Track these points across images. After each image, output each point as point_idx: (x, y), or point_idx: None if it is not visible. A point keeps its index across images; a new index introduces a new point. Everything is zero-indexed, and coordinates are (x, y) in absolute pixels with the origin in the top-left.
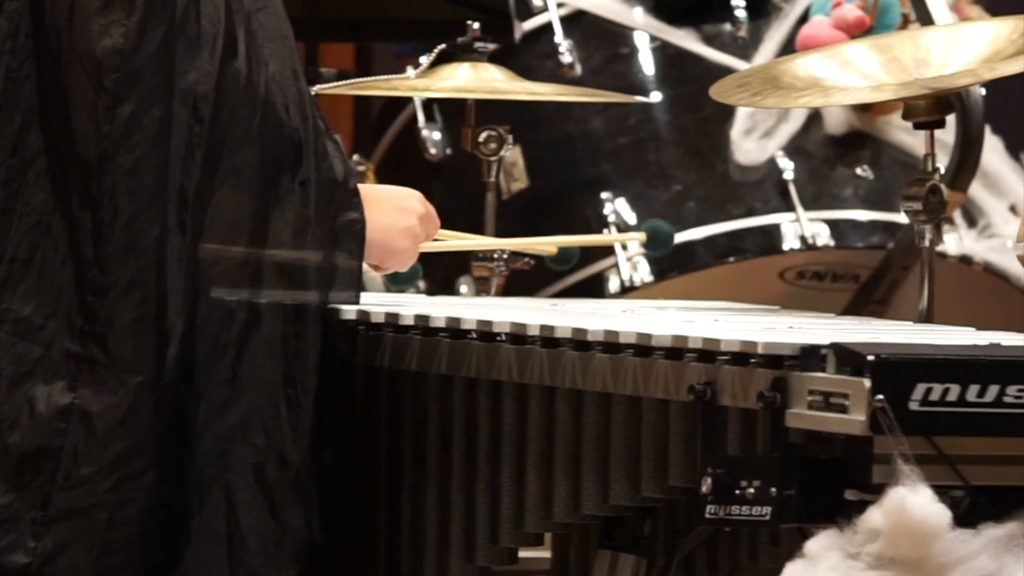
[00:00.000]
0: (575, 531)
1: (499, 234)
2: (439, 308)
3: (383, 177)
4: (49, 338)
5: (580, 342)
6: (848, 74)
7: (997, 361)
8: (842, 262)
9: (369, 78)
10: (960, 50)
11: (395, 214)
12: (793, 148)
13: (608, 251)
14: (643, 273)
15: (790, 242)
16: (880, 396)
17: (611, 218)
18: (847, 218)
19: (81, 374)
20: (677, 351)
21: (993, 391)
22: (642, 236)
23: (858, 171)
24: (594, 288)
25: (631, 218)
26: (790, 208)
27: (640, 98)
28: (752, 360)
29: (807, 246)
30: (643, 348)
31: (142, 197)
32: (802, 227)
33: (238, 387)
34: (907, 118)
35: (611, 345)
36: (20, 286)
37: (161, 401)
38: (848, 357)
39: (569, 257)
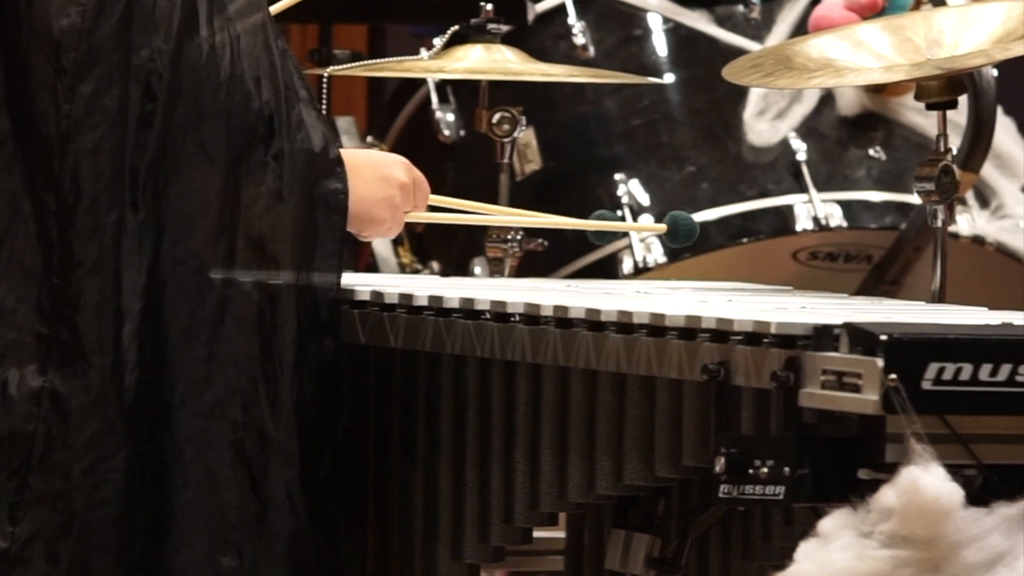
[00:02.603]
0: (589, 511)
1: None
2: (452, 289)
3: None
4: (21, 321)
5: (594, 322)
6: (861, 55)
7: (1009, 340)
8: (855, 243)
9: (382, 59)
10: (972, 31)
11: (376, 184)
12: (806, 129)
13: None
14: (656, 254)
15: (803, 223)
16: (893, 375)
17: (624, 199)
18: (860, 199)
19: (51, 357)
20: (691, 331)
21: (1006, 370)
22: (662, 228)
23: (871, 152)
24: (608, 269)
25: (644, 199)
26: (803, 189)
27: (653, 79)
28: (765, 340)
29: (820, 227)
30: (656, 328)
31: (103, 177)
32: (815, 208)
33: (215, 363)
34: (919, 99)
35: (625, 325)
36: None
37: (125, 381)
38: (861, 337)
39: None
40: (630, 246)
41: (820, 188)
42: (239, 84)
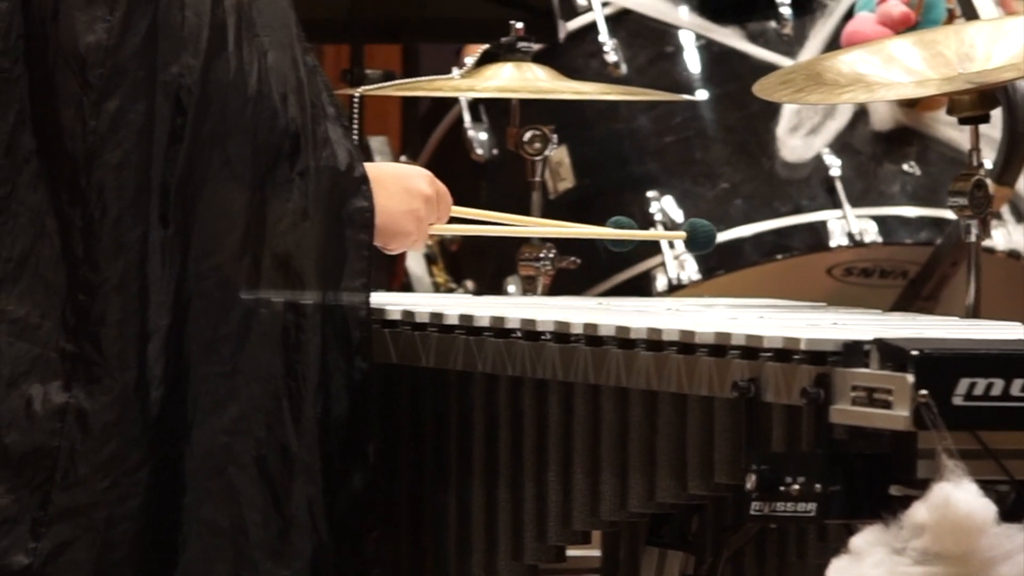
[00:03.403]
0: (625, 529)
1: None
2: (483, 307)
3: None
4: (45, 337)
5: (624, 340)
6: (892, 70)
7: None
8: (890, 258)
9: (412, 79)
10: (1004, 44)
11: (400, 196)
12: (840, 145)
13: (655, 249)
14: (690, 271)
15: (837, 239)
16: (924, 391)
17: (658, 216)
18: (895, 214)
19: (76, 373)
20: (721, 348)
21: None
22: (681, 235)
23: (905, 167)
24: (642, 287)
25: (678, 216)
26: (837, 205)
27: (684, 96)
28: (795, 356)
29: (855, 243)
30: (687, 346)
31: (128, 193)
32: (849, 224)
33: (238, 380)
34: (951, 113)
35: (655, 343)
36: (16, 286)
37: (151, 396)
38: (891, 352)
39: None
40: (663, 263)
41: (855, 204)
42: (266, 101)
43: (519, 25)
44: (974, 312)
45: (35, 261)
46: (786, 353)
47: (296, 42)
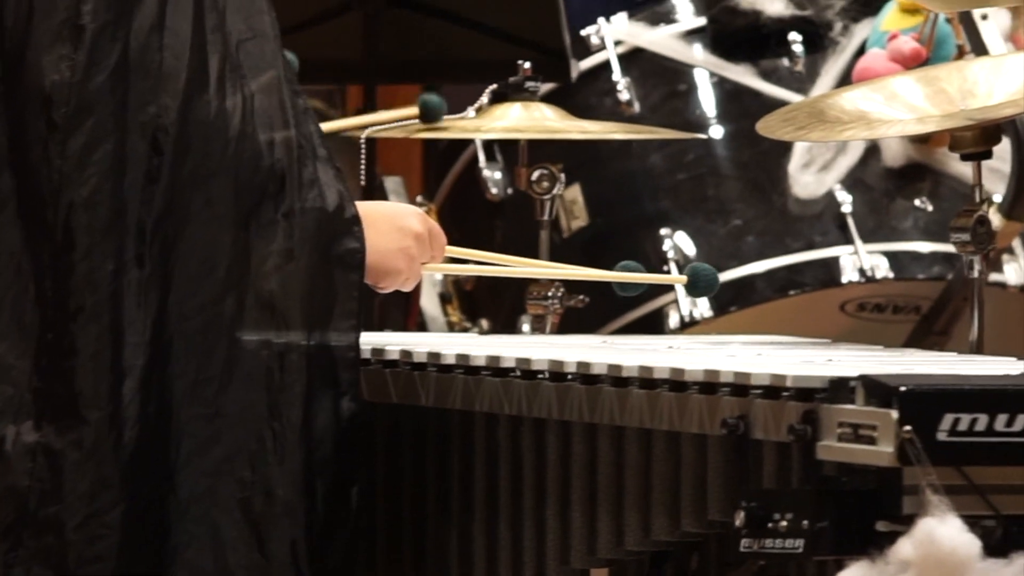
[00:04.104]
0: (627, 566)
1: None
2: (481, 347)
3: (447, 217)
4: (19, 378)
5: (617, 378)
6: (895, 107)
7: None
8: (903, 294)
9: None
10: (1005, 81)
11: (391, 235)
12: (852, 181)
13: (667, 287)
14: (703, 308)
15: (849, 275)
16: (908, 427)
17: (670, 254)
18: (907, 250)
19: (45, 411)
20: (711, 385)
21: (1022, 420)
22: (683, 279)
23: (917, 203)
24: (654, 324)
25: (691, 252)
26: (849, 241)
27: (693, 134)
28: (784, 393)
29: (866, 278)
30: (678, 383)
31: (97, 230)
32: (861, 260)
33: (222, 421)
34: (954, 149)
35: (647, 381)
36: None
37: (124, 436)
38: (876, 389)
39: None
40: (676, 301)
41: (867, 239)
42: (249, 142)
43: (526, 65)
44: (978, 347)
45: (11, 301)
46: (774, 390)
47: (284, 84)
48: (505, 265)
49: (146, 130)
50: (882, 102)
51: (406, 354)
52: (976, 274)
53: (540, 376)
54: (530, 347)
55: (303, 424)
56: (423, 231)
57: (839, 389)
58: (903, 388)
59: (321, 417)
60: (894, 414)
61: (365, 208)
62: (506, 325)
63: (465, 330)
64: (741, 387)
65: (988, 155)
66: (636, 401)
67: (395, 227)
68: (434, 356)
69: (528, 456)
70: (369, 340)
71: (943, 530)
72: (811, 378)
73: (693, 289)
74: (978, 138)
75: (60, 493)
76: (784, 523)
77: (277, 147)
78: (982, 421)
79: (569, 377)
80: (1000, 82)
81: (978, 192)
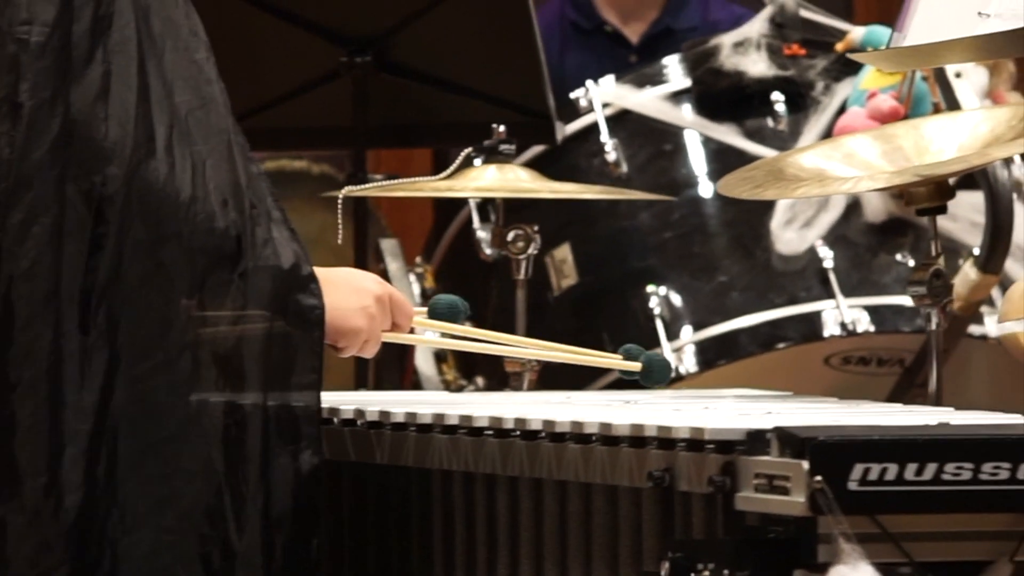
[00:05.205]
0: None
1: (550, 332)
2: (427, 405)
3: (443, 279)
4: None
5: (553, 434)
6: (852, 165)
7: (933, 440)
8: (887, 347)
9: (395, 181)
10: (956, 137)
11: (350, 295)
12: (834, 237)
13: (654, 341)
14: (688, 364)
15: (831, 329)
16: (818, 477)
17: (657, 310)
18: (889, 303)
19: None
20: (639, 439)
21: (931, 469)
22: (636, 366)
23: (898, 257)
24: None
25: (677, 310)
26: (831, 295)
27: (661, 196)
28: (707, 446)
29: (848, 332)
30: (607, 438)
31: (37, 301)
32: (842, 314)
33: (179, 479)
34: (908, 205)
35: (579, 436)
36: None
37: (65, 501)
38: (789, 440)
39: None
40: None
41: (850, 294)
42: (202, 205)
43: (500, 128)
44: (937, 400)
45: None
46: (696, 443)
47: (235, 149)
48: (471, 339)
49: (90, 200)
50: (840, 160)
51: (359, 413)
52: (934, 326)
53: (486, 433)
54: (484, 405)
55: (261, 478)
56: (383, 293)
57: (756, 441)
58: (813, 439)
59: (280, 471)
60: (805, 465)
61: (322, 270)
62: (502, 382)
63: (460, 388)
64: (667, 440)
65: (943, 210)
66: (571, 455)
67: (353, 288)
68: (385, 415)
69: (480, 511)
70: (327, 399)
71: None
72: (729, 431)
73: (647, 378)
74: (932, 193)
75: (5, 556)
76: (707, 573)
77: (231, 209)
78: (892, 470)
79: (512, 433)
80: (951, 139)
81: (934, 246)
